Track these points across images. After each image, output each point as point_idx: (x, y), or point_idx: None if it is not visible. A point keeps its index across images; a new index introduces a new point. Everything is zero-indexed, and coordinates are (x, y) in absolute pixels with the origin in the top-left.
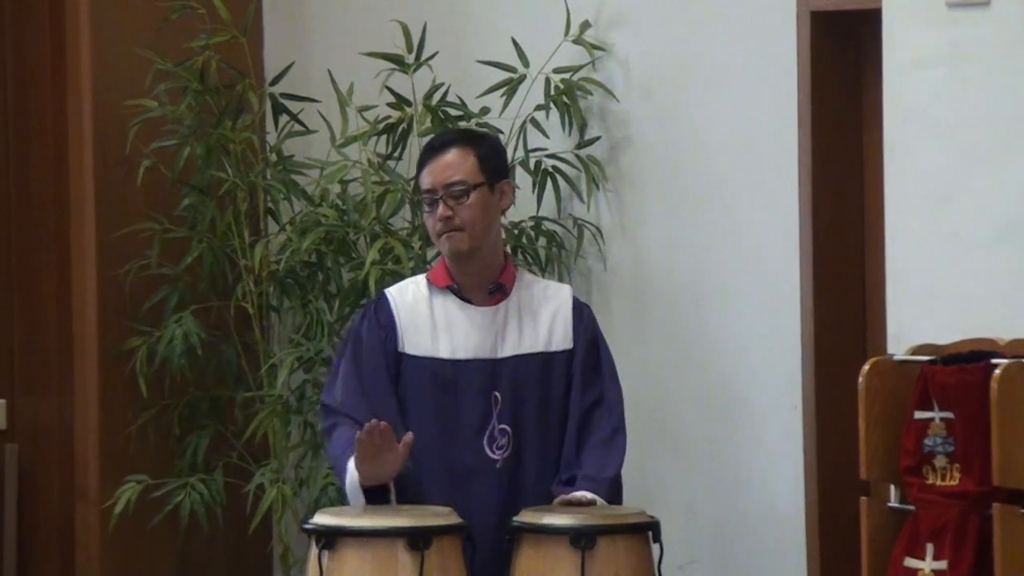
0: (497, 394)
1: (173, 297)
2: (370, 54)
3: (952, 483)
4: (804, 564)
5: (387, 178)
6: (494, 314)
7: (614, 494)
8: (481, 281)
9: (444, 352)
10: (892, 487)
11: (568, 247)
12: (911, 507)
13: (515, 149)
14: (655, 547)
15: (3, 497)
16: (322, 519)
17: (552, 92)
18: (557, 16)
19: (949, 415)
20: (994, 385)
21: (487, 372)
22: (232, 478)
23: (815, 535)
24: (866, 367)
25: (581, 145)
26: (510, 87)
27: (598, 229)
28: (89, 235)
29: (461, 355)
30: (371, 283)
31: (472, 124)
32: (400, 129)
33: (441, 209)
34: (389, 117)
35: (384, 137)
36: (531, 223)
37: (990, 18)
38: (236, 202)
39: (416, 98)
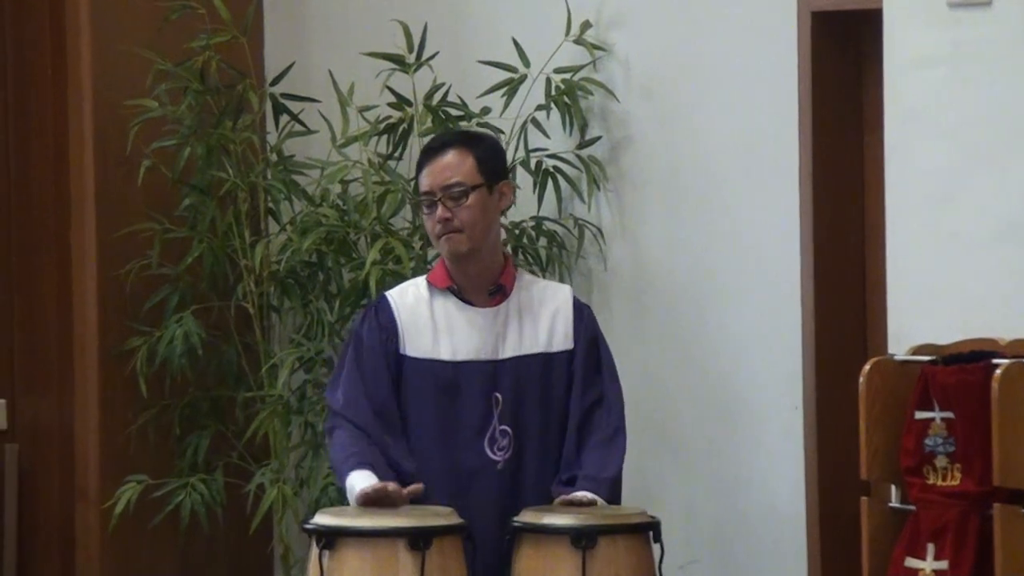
0: (498, 395)
1: (174, 297)
2: (371, 54)
3: (953, 483)
4: (804, 564)
5: (388, 178)
6: (494, 315)
7: (614, 494)
8: (481, 282)
9: (445, 354)
10: (893, 487)
11: (569, 247)
12: (912, 507)
13: (516, 149)
14: (656, 547)
15: (3, 497)
16: (323, 519)
17: (553, 92)
18: (558, 16)
19: (950, 415)
20: (995, 385)
21: (488, 373)
22: (233, 478)
23: (815, 535)
24: (867, 367)
25: (582, 145)
26: (511, 87)
27: (599, 229)
28: (89, 235)
29: (462, 356)
30: (372, 283)
31: (473, 124)
32: (401, 129)
33: (440, 211)
34: (390, 117)
35: (385, 137)
36: (532, 223)
37: (991, 18)
38: (237, 202)
39: (417, 98)
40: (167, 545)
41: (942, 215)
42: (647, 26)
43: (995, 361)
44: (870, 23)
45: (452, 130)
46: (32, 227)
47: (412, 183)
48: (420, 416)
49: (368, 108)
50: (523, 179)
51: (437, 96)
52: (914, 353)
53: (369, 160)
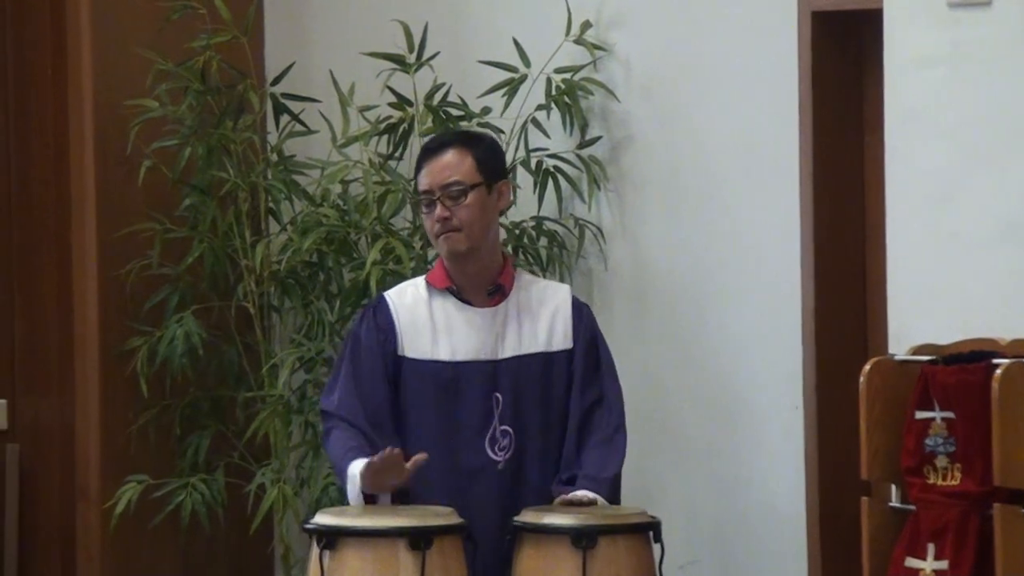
0: (498, 395)
1: (174, 297)
2: (371, 54)
3: (953, 483)
4: (805, 564)
5: (388, 178)
6: (493, 315)
7: (614, 494)
8: (480, 282)
9: (444, 354)
10: (893, 487)
11: (569, 247)
12: (912, 507)
13: (516, 149)
14: (656, 547)
15: (4, 497)
16: (323, 519)
17: (553, 92)
18: (558, 16)
19: (950, 415)
20: (995, 385)
21: (488, 373)
22: (233, 478)
23: (816, 535)
24: (867, 367)
25: (582, 145)
26: (511, 87)
27: (599, 229)
28: (90, 235)
29: (461, 357)
30: (372, 283)
31: (473, 124)
32: (401, 129)
33: (439, 210)
34: (390, 117)
35: (385, 137)
36: (532, 223)
37: (991, 18)
38: (237, 202)
39: (417, 98)
40: (168, 545)
41: (942, 215)
42: (647, 26)
43: (995, 361)
44: (870, 23)
45: (451, 130)
46: (32, 227)
47: (412, 183)
48: (420, 417)
49: (368, 108)
50: (523, 179)
51: (438, 96)
52: (914, 353)
53: (370, 160)
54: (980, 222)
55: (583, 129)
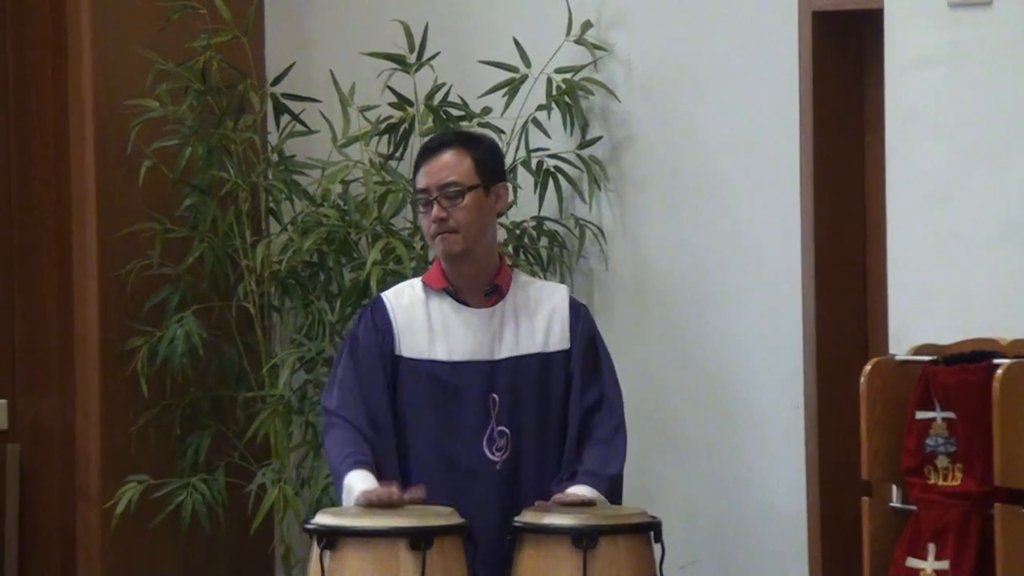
0: (495, 396)
1: (174, 297)
2: (371, 54)
3: (954, 483)
4: (805, 564)
5: (388, 178)
6: (490, 316)
7: (615, 493)
8: (477, 283)
9: (441, 355)
10: (894, 487)
11: (570, 247)
12: (913, 507)
13: (517, 149)
14: (657, 547)
15: (4, 497)
16: (323, 519)
17: (554, 92)
18: (558, 16)
19: (951, 415)
20: (996, 385)
21: (485, 374)
22: (234, 478)
23: (816, 535)
24: (868, 367)
25: (583, 145)
26: (512, 87)
27: (600, 229)
28: (90, 235)
29: (458, 357)
30: (373, 283)
31: (474, 124)
32: (402, 129)
33: (435, 210)
34: (391, 117)
35: (386, 137)
36: (533, 223)
37: (991, 18)
38: (238, 202)
39: (418, 98)
40: (168, 545)
41: (942, 215)
42: (647, 26)
43: (996, 361)
44: (870, 23)
45: (451, 130)
46: (32, 227)
47: (412, 183)
48: (418, 417)
49: (369, 108)
50: (524, 179)
51: (438, 96)
52: (915, 353)
53: (370, 160)
54: (980, 222)
55: (583, 129)
